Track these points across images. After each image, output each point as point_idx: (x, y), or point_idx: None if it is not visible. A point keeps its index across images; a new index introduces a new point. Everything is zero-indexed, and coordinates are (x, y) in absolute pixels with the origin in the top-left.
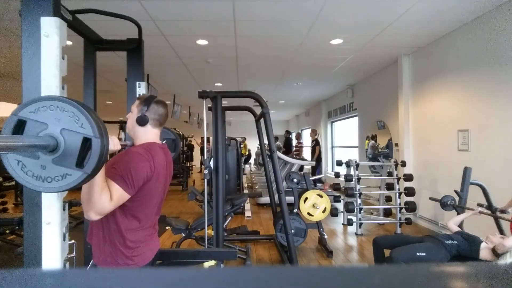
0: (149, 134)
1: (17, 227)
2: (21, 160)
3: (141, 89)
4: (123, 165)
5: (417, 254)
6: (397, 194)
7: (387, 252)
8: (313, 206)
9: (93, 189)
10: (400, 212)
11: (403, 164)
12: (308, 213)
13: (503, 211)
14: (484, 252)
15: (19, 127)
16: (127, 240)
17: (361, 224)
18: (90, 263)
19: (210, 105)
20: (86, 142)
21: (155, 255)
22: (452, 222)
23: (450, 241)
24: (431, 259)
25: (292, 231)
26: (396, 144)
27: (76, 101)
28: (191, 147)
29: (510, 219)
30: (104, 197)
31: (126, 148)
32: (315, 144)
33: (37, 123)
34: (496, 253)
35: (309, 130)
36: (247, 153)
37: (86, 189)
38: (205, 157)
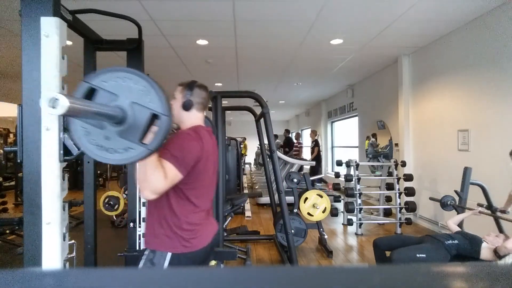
0: (195, 118)
1: (17, 227)
2: (87, 128)
3: None
4: (174, 146)
5: (417, 255)
6: (397, 194)
7: (387, 254)
8: (313, 206)
9: (148, 168)
10: (400, 212)
11: (403, 164)
12: (308, 213)
13: (503, 211)
14: (485, 252)
15: (89, 95)
16: (184, 222)
17: (361, 224)
18: (146, 252)
19: (210, 105)
20: (153, 119)
21: (213, 239)
22: (452, 221)
23: (450, 241)
24: (431, 260)
25: (292, 231)
26: (396, 144)
27: (149, 77)
28: None
29: (510, 219)
30: (158, 175)
31: (173, 132)
32: (315, 145)
33: (108, 93)
34: (498, 254)
35: (309, 130)
36: (247, 153)
37: (141, 170)
38: None
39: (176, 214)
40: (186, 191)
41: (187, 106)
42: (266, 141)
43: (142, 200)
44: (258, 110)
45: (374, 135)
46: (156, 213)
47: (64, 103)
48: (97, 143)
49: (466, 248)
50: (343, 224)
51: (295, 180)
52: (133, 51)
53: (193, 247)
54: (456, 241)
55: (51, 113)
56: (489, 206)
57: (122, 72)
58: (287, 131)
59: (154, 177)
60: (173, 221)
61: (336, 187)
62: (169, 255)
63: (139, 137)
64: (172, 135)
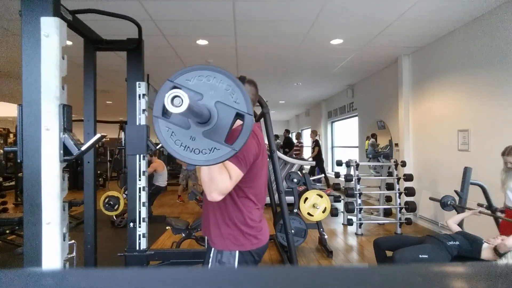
0: None
1: (17, 227)
2: (172, 128)
3: (141, 89)
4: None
5: (420, 256)
6: (397, 194)
7: (388, 253)
8: (313, 206)
9: (214, 170)
10: (400, 212)
11: (403, 164)
12: (308, 213)
13: (503, 211)
14: (486, 252)
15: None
16: (248, 219)
17: (361, 224)
18: (212, 253)
19: None
20: (236, 118)
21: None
22: (452, 220)
23: (451, 242)
24: (433, 261)
25: (292, 231)
26: (396, 144)
27: (232, 75)
28: None
29: (508, 219)
30: (225, 176)
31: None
32: (315, 145)
33: (192, 92)
34: (498, 252)
35: (309, 130)
36: None
37: (206, 172)
38: None
39: (241, 211)
40: (245, 189)
41: None
42: (266, 141)
43: (142, 200)
44: (258, 110)
45: (374, 136)
46: (220, 212)
47: (186, 101)
48: (182, 144)
49: (467, 249)
50: (343, 224)
51: (295, 180)
52: (133, 51)
53: (259, 242)
54: (457, 242)
55: (174, 111)
56: (489, 206)
57: (206, 71)
58: (287, 131)
59: (221, 179)
60: (238, 219)
61: (336, 187)
62: (237, 253)
63: (225, 137)
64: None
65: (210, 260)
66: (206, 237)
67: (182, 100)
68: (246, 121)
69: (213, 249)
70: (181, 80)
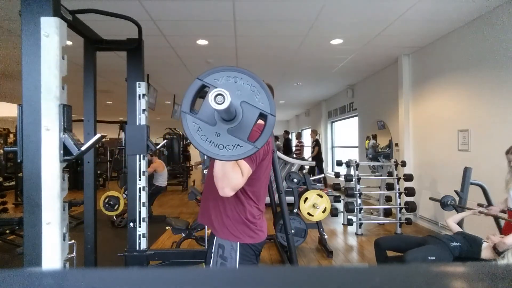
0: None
1: (17, 227)
2: (199, 124)
3: (141, 89)
4: None
5: (429, 258)
6: (397, 194)
7: (389, 253)
8: (313, 206)
9: (227, 167)
10: (400, 212)
11: (403, 164)
12: (308, 213)
13: (503, 211)
14: (486, 252)
15: (200, 91)
16: (249, 214)
17: (361, 224)
18: (214, 242)
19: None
20: (259, 118)
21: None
22: (451, 219)
23: (454, 243)
24: (439, 262)
25: (292, 231)
26: (396, 144)
27: (257, 77)
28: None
29: (509, 219)
30: (237, 173)
31: None
32: (315, 145)
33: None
34: (497, 251)
35: (309, 130)
36: None
37: (220, 167)
38: (205, 157)
39: (243, 206)
40: (246, 187)
41: None
42: None
43: (142, 200)
44: None
45: (374, 137)
46: (222, 205)
47: (228, 99)
48: (207, 139)
49: (467, 250)
50: (343, 224)
51: (295, 180)
52: (133, 51)
53: (259, 238)
54: (459, 244)
55: (217, 108)
56: (489, 206)
57: (233, 72)
58: (287, 133)
59: (234, 175)
60: (240, 213)
61: (336, 187)
62: (238, 245)
63: (248, 135)
64: None
65: (213, 257)
66: (206, 227)
67: (224, 99)
68: (268, 121)
69: (215, 240)
70: (210, 79)
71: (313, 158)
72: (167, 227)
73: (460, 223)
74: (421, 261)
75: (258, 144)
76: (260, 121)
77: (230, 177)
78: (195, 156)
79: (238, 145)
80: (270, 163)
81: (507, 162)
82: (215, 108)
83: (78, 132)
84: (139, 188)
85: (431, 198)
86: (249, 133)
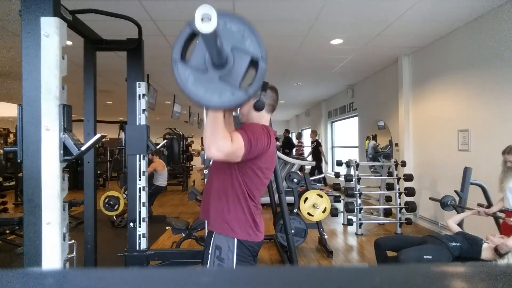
0: (264, 120)
1: (17, 227)
2: (190, 71)
3: (141, 89)
4: (248, 128)
5: (425, 257)
6: (397, 194)
7: (389, 253)
8: (313, 206)
9: (218, 127)
10: (400, 212)
11: (403, 164)
12: (308, 213)
13: (501, 210)
14: (486, 252)
15: (191, 39)
16: (250, 213)
17: (361, 224)
18: (212, 240)
19: None
20: (251, 64)
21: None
22: (452, 220)
23: (453, 243)
24: (437, 261)
25: (292, 231)
26: (396, 144)
27: (247, 20)
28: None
29: (506, 219)
30: (227, 137)
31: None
32: (316, 145)
33: None
34: (499, 252)
35: (309, 130)
36: None
37: (211, 124)
38: (205, 157)
39: (246, 203)
40: (248, 185)
41: (259, 107)
42: None
43: (142, 200)
44: None
45: (374, 137)
46: (225, 199)
47: (214, 22)
48: (200, 86)
49: (467, 250)
50: (343, 224)
51: (295, 180)
52: (133, 51)
53: (256, 237)
54: (458, 244)
55: (202, 30)
56: (489, 206)
57: (223, 16)
58: (287, 131)
59: (221, 136)
60: (243, 210)
61: (336, 187)
62: (235, 246)
63: (239, 82)
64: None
65: (210, 258)
66: (206, 227)
67: (210, 18)
68: (260, 66)
69: (212, 241)
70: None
71: (314, 158)
72: (167, 227)
73: (460, 224)
74: (415, 260)
75: (251, 91)
76: (264, 123)
77: (218, 136)
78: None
79: (230, 91)
80: (273, 167)
81: (502, 162)
82: (201, 30)
83: (78, 132)
84: (139, 188)
85: (431, 198)
86: (240, 79)
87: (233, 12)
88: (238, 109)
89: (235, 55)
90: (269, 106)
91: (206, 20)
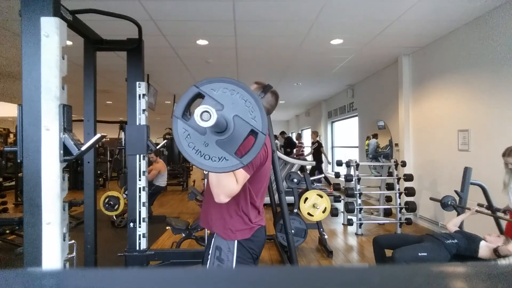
0: None
1: (17, 227)
2: (189, 130)
3: (141, 89)
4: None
5: (419, 254)
6: (397, 194)
7: (387, 252)
8: (313, 206)
9: (222, 175)
10: (400, 212)
11: (403, 164)
12: (308, 213)
13: (505, 211)
14: (483, 251)
15: (196, 98)
16: (252, 216)
17: (361, 224)
18: (212, 242)
19: None
20: (250, 133)
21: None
22: (451, 223)
23: (450, 241)
24: (432, 259)
25: (292, 231)
26: (396, 144)
27: (255, 94)
28: None
29: (509, 219)
30: (232, 180)
31: None
32: (317, 146)
33: (215, 102)
34: (499, 254)
35: (309, 130)
36: None
37: (214, 176)
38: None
39: (247, 206)
40: (249, 190)
41: None
42: None
43: (142, 200)
44: None
45: (375, 136)
46: (225, 205)
47: (214, 117)
48: (195, 147)
49: (465, 247)
50: (343, 224)
51: (295, 180)
52: (133, 51)
53: (256, 238)
54: (456, 241)
55: (203, 125)
56: (489, 206)
57: (231, 85)
58: (283, 133)
59: (228, 183)
60: (244, 214)
61: (336, 187)
62: (236, 247)
63: (236, 149)
64: None
65: (210, 258)
66: (205, 229)
67: (210, 116)
68: (258, 138)
69: (213, 242)
70: (206, 88)
71: (314, 159)
72: (167, 227)
73: (460, 225)
74: (410, 258)
75: (245, 161)
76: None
77: (225, 184)
78: None
79: (225, 158)
80: (268, 171)
81: (504, 164)
82: (201, 125)
83: (78, 132)
84: (139, 188)
85: (431, 198)
86: (237, 147)
87: (241, 83)
88: None
89: (236, 123)
90: (265, 109)
91: (205, 119)
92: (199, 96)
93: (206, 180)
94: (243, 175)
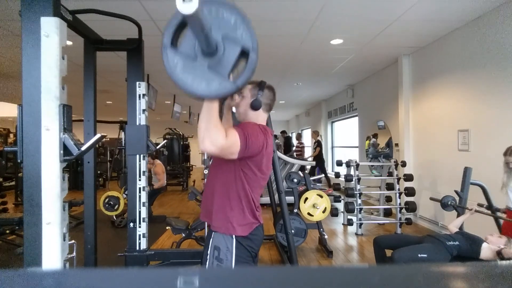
0: (261, 119)
1: (17, 227)
2: (179, 58)
3: (141, 89)
4: (245, 127)
5: (419, 255)
6: (397, 194)
7: (387, 252)
8: (313, 206)
9: (212, 120)
10: (400, 212)
11: (403, 164)
12: (308, 213)
13: (504, 212)
14: (486, 252)
15: (183, 26)
16: (252, 212)
17: (361, 224)
18: (211, 239)
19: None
20: (241, 55)
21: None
22: (452, 225)
23: (451, 242)
24: (432, 260)
25: (292, 231)
26: (396, 144)
27: (240, 9)
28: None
29: (509, 219)
30: (221, 131)
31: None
32: (317, 145)
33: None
34: (502, 256)
35: (309, 131)
36: None
37: (205, 117)
38: (205, 157)
39: (248, 203)
40: (249, 184)
41: (256, 106)
42: None
43: (142, 200)
44: None
45: (375, 135)
46: (227, 198)
47: (196, 2)
48: (188, 74)
49: (466, 249)
50: (343, 224)
51: (295, 180)
52: (133, 51)
53: (254, 237)
54: (457, 242)
55: (182, 11)
56: (489, 206)
57: (216, 4)
58: (284, 133)
59: (216, 130)
60: (243, 208)
61: (336, 187)
62: (234, 246)
63: (228, 72)
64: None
65: (208, 258)
66: (206, 227)
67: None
68: (250, 57)
69: (211, 241)
70: None
71: (314, 158)
72: (167, 227)
73: (460, 226)
74: (409, 259)
75: (239, 82)
76: (261, 122)
77: (211, 130)
78: (195, 157)
79: (217, 81)
80: (270, 165)
81: (504, 163)
82: (182, 11)
83: (78, 132)
84: (139, 188)
85: (431, 198)
86: (230, 68)
87: (227, 1)
88: (235, 109)
89: (226, 44)
90: (266, 106)
91: (187, 1)
92: (186, 23)
93: (207, 175)
94: (234, 137)
